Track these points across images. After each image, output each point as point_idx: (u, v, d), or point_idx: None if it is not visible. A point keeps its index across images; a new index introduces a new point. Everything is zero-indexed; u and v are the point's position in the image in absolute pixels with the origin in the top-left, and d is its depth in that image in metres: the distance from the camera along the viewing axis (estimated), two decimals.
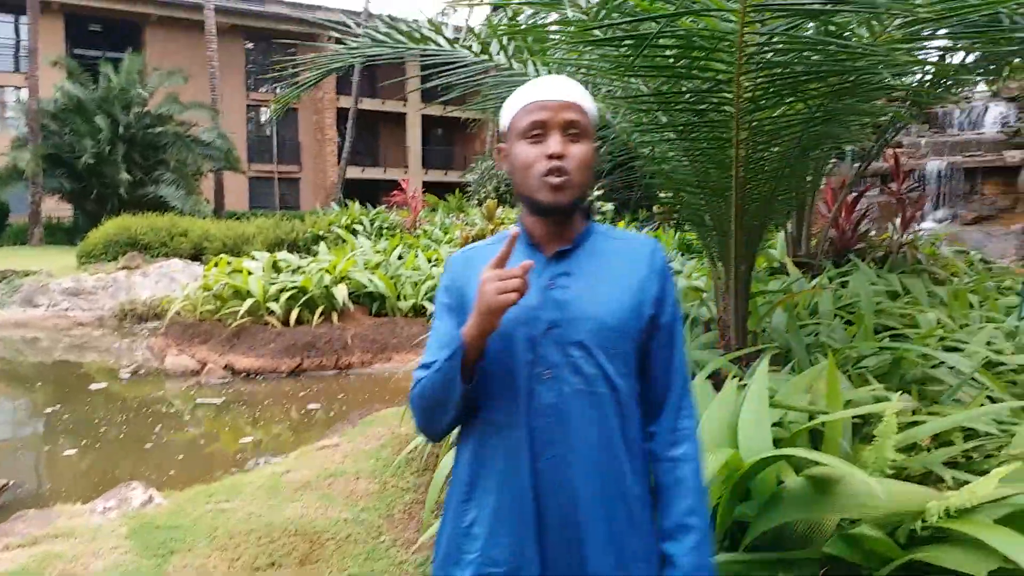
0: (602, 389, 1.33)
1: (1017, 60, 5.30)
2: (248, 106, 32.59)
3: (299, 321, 8.92)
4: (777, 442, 2.40)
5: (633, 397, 1.37)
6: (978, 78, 6.36)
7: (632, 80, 3.21)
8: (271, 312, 8.95)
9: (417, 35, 3.89)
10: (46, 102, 21.82)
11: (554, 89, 1.34)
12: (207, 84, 26.05)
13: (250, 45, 32.81)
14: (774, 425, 2.58)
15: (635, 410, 1.38)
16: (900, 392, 2.94)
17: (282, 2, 31.89)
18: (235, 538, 3.03)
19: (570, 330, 1.32)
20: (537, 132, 1.32)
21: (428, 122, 34.85)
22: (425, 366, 1.36)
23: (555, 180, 1.30)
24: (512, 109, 1.37)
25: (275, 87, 30.27)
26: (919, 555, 1.92)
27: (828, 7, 2.46)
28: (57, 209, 24.43)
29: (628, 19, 2.76)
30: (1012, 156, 13.57)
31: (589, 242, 1.39)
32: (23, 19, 26.16)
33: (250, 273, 9.50)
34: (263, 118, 33.00)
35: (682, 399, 1.42)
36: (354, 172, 32.18)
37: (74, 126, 21.56)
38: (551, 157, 1.30)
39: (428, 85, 4.09)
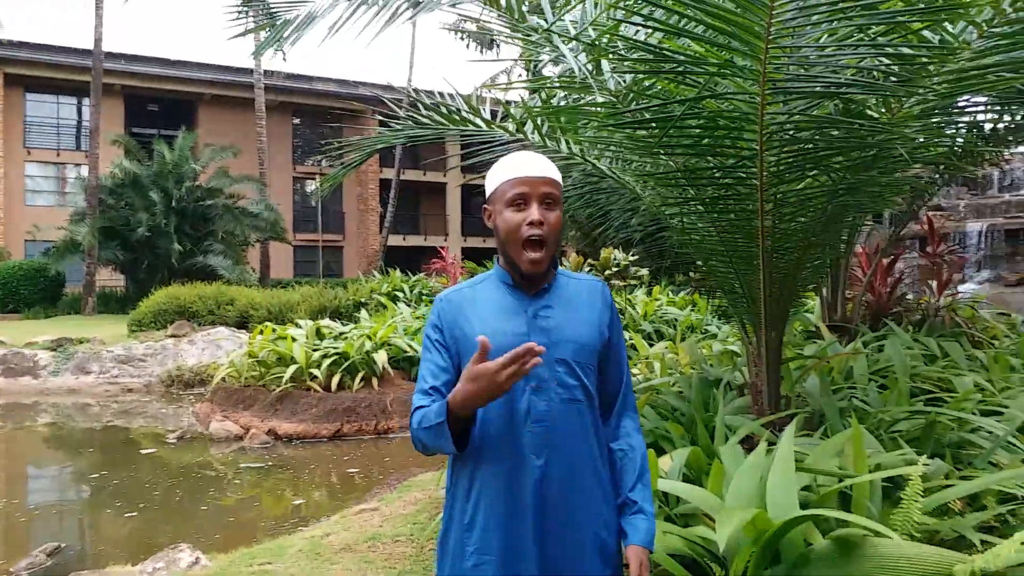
0: (580, 396, 1.66)
1: None
2: (294, 178, 33.67)
3: (340, 386, 9.10)
4: (806, 505, 2.44)
5: (597, 402, 1.72)
6: (1013, 142, 6.38)
7: (660, 156, 3.35)
8: (313, 378, 9.15)
9: (457, 117, 4.08)
10: (104, 178, 22.83)
11: (534, 166, 1.65)
12: (255, 157, 27.02)
13: (297, 120, 34.11)
14: (804, 489, 2.62)
15: (598, 412, 1.72)
16: (932, 457, 2.95)
17: (328, 79, 33.21)
18: None
19: (555, 350, 1.63)
20: (520, 202, 1.63)
21: (467, 191, 35.52)
22: (424, 392, 1.64)
23: (534, 255, 1.61)
24: (499, 179, 1.67)
25: (320, 160, 31.28)
26: None
27: (839, 91, 2.59)
28: (110, 279, 25.31)
29: (656, 102, 2.92)
30: None
31: (558, 281, 1.73)
32: (86, 101, 27.64)
33: (294, 340, 9.75)
34: (309, 189, 33.99)
35: (626, 400, 1.79)
36: (396, 240, 32.87)
37: (129, 200, 22.45)
38: (532, 224, 1.60)
39: (468, 163, 4.30)
